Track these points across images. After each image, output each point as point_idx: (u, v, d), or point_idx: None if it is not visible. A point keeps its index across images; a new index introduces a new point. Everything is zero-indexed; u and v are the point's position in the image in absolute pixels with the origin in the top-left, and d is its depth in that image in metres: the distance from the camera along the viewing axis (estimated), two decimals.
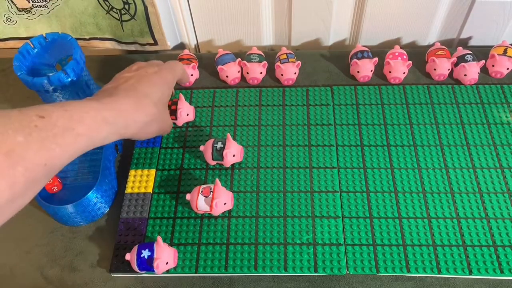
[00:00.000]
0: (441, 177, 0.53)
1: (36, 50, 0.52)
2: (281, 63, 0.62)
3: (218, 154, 0.53)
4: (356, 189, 0.53)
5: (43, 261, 0.51)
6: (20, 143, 0.32)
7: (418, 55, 0.65)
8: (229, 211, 0.52)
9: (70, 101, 0.39)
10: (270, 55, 0.66)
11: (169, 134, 0.59)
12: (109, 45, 0.70)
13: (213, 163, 0.55)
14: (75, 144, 0.36)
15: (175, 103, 0.58)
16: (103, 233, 0.52)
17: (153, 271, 0.46)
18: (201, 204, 0.50)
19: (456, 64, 0.62)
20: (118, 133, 0.42)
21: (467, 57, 0.61)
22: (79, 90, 0.51)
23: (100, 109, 0.40)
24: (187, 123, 0.60)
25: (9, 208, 0.33)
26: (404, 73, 0.61)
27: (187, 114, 0.59)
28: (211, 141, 0.54)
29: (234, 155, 0.54)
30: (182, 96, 0.58)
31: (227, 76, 0.63)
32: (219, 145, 0.53)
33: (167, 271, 0.48)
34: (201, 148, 0.54)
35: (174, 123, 0.59)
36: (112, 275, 0.49)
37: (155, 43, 0.69)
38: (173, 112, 0.57)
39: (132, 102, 0.43)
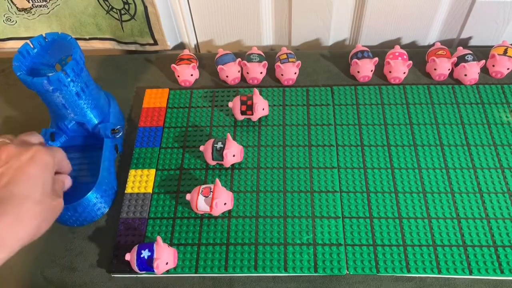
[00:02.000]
0: (441, 177, 0.53)
1: (36, 50, 0.52)
2: (281, 63, 0.62)
3: (218, 154, 0.53)
4: (356, 189, 0.53)
5: (43, 261, 0.51)
6: None
7: (418, 55, 0.65)
8: (229, 211, 0.52)
9: None
10: (270, 55, 0.66)
11: (169, 134, 0.59)
12: (109, 45, 0.70)
13: (213, 163, 0.55)
14: None
15: (250, 98, 0.57)
16: (103, 233, 0.52)
17: (153, 271, 0.46)
18: (201, 204, 0.50)
19: (456, 64, 0.62)
20: (8, 255, 0.36)
21: (467, 57, 0.61)
22: (79, 90, 0.51)
23: None
24: (248, 118, 0.59)
25: None
26: (404, 73, 0.61)
27: (263, 109, 0.58)
28: (211, 141, 0.54)
29: (234, 155, 0.54)
30: (256, 91, 0.58)
31: (227, 76, 0.63)
32: (219, 145, 0.53)
33: (167, 271, 0.48)
34: (201, 148, 0.54)
35: (249, 119, 0.59)
36: (112, 275, 0.49)
37: (155, 43, 0.69)
38: (249, 108, 0.57)
39: (12, 217, 0.36)
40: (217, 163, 0.55)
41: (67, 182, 0.49)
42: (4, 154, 0.40)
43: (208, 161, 0.55)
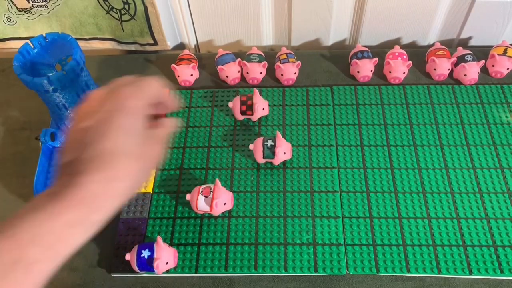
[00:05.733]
0: (441, 177, 0.53)
1: (36, 50, 0.52)
2: (281, 63, 0.62)
3: (270, 151, 0.53)
4: (356, 189, 0.53)
5: None
6: None
7: (418, 55, 0.65)
8: (229, 211, 0.52)
9: (12, 218, 0.29)
10: (270, 55, 0.66)
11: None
12: (109, 45, 0.70)
13: (263, 161, 0.55)
14: (27, 280, 0.28)
15: (250, 98, 0.57)
16: (103, 233, 0.52)
17: (153, 271, 0.46)
18: (201, 204, 0.50)
19: (456, 64, 0.62)
20: (96, 224, 0.32)
21: (467, 57, 0.61)
22: (79, 90, 0.51)
23: (57, 214, 0.29)
24: (261, 117, 0.60)
25: None
26: (404, 73, 0.61)
27: (263, 109, 0.58)
28: (260, 140, 0.54)
29: (284, 153, 0.53)
30: (256, 91, 0.58)
31: (227, 76, 0.63)
32: (270, 143, 0.53)
33: (167, 271, 0.48)
34: (251, 146, 0.54)
35: (249, 119, 0.59)
36: (112, 275, 0.49)
37: (155, 43, 0.69)
38: (249, 108, 0.57)
39: (101, 176, 0.31)
40: (267, 161, 0.55)
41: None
42: (92, 102, 0.34)
43: (258, 160, 0.54)
